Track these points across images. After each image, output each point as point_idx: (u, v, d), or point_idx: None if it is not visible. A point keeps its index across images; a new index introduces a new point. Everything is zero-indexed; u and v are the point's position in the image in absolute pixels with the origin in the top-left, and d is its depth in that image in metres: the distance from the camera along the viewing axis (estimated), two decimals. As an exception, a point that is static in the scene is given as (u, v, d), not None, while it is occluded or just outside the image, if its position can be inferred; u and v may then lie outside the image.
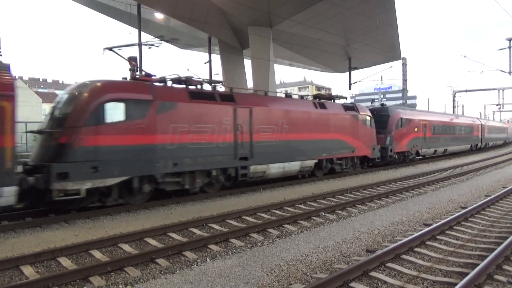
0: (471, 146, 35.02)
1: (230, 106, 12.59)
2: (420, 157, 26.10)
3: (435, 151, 27.38)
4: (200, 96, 12.02)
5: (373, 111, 22.14)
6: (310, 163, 15.62)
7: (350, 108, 18.36)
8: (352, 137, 17.72)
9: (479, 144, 37.45)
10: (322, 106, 16.55)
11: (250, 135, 13.06)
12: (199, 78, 12.89)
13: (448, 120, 30.11)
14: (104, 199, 10.09)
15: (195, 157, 11.45)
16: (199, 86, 12.75)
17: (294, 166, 14.85)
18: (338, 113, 17.32)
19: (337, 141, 16.89)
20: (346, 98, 20.45)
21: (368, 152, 19.07)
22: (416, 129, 24.28)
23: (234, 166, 12.64)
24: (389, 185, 14.76)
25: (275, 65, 26.61)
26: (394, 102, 66.57)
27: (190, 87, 12.39)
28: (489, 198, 11.02)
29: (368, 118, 19.26)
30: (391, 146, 21.54)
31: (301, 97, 17.76)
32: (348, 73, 34.51)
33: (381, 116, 22.32)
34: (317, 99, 17.91)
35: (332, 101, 18.42)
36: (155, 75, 11.91)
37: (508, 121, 71.85)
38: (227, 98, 12.82)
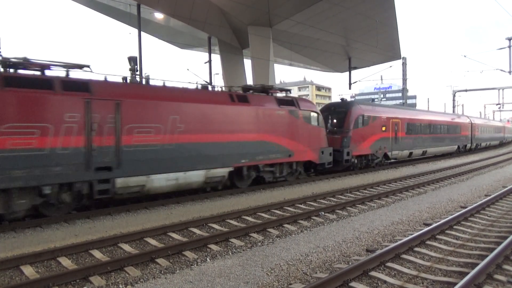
0: (459, 147, 31.37)
1: (79, 97, 9.29)
2: (391, 160, 22.65)
3: (411, 153, 23.77)
4: (22, 82, 8.71)
5: (329, 107, 19.95)
6: (222, 172, 12.34)
7: (287, 102, 14.92)
8: (288, 138, 14.46)
9: (469, 145, 33.73)
10: (243, 99, 13.22)
11: (116, 137, 9.85)
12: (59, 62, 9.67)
13: (427, 117, 26.23)
14: None
15: (6, 169, 8.26)
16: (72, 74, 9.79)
17: (195, 176, 11.54)
18: (268, 108, 13.87)
19: (265, 143, 13.60)
20: (289, 91, 16.77)
21: (314, 156, 15.70)
22: (383, 128, 20.61)
23: (85, 179, 9.41)
24: (389, 185, 14.76)
25: (275, 65, 26.64)
26: (394, 102, 66.70)
27: (22, 71, 9.21)
28: (489, 198, 11.02)
29: (314, 115, 15.84)
30: (347, 149, 17.90)
31: (223, 88, 14.19)
32: (348, 72, 34.57)
33: (338, 113, 19.12)
34: (251, 91, 14.83)
35: (267, 94, 15.04)
36: None
37: (508, 121, 71.86)
38: (76, 87, 9.46)
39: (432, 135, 26.42)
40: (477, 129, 35.72)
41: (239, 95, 13.33)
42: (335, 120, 18.98)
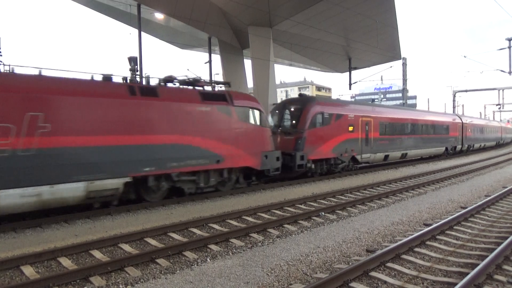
0: (447, 149, 28.86)
1: None
2: (362, 165, 20.19)
3: (387, 156, 21.06)
4: None
5: (284, 104, 17.51)
6: (113, 183, 9.77)
7: (215, 97, 12.29)
8: (215, 140, 11.93)
9: (459, 147, 31.17)
10: (149, 92, 10.71)
11: None
12: None
13: (407, 116, 23.41)
14: None
15: None
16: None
17: (69, 190, 8.99)
18: (186, 104, 11.35)
19: (180, 146, 11.10)
20: (227, 84, 14.04)
21: (254, 161, 13.15)
22: (350, 128, 18.07)
23: None
24: (389, 185, 14.77)
25: (275, 65, 26.66)
26: (394, 102, 66.77)
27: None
28: (489, 198, 11.02)
29: (254, 112, 13.31)
30: (301, 152, 15.33)
31: (126, 79, 11.11)
32: (348, 73, 34.62)
33: (293, 111, 16.59)
34: (175, 83, 12.34)
35: (193, 87, 12.39)
36: None
37: (508, 121, 71.88)
38: None
39: (413, 136, 23.86)
40: (469, 129, 33.43)
41: (143, 88, 10.76)
42: (288, 119, 16.57)
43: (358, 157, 18.80)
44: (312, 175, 16.60)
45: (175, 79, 12.29)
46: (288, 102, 17.59)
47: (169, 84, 12.19)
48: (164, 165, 10.78)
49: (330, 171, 17.47)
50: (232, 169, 12.82)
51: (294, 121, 16.32)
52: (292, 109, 16.69)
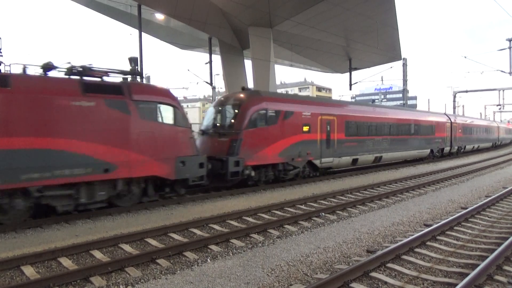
0: (432, 151, 26.17)
1: None
2: (326, 170, 17.59)
3: (355, 160, 18.35)
4: None
5: (222, 100, 14.83)
6: None
7: (104, 89, 9.68)
8: (102, 144, 9.33)
9: (447, 149, 28.61)
10: None
11: None
12: None
13: (381, 115, 20.59)
14: None
15: None
16: None
17: None
18: (55, 96, 8.74)
19: (44, 152, 8.46)
20: (137, 75, 11.16)
21: (164, 169, 10.55)
22: (306, 128, 15.38)
23: None
24: (389, 186, 14.76)
25: (275, 65, 26.70)
26: (395, 103, 66.80)
27: None
28: (489, 199, 11.02)
29: (165, 108, 10.78)
30: (235, 158, 12.68)
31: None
32: (348, 73, 34.66)
33: (231, 108, 14.10)
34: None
35: (81, 76, 9.69)
36: None
37: (508, 122, 71.92)
38: None
39: (390, 137, 21.00)
40: (459, 129, 30.64)
41: None
42: (224, 118, 14.16)
43: (317, 161, 16.04)
44: (255, 184, 13.97)
45: (56, 67, 9.54)
46: (226, 98, 14.88)
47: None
48: (15, 177, 8.11)
49: (278, 178, 14.78)
50: (132, 179, 10.19)
51: (230, 120, 13.85)
52: (230, 106, 14.15)
